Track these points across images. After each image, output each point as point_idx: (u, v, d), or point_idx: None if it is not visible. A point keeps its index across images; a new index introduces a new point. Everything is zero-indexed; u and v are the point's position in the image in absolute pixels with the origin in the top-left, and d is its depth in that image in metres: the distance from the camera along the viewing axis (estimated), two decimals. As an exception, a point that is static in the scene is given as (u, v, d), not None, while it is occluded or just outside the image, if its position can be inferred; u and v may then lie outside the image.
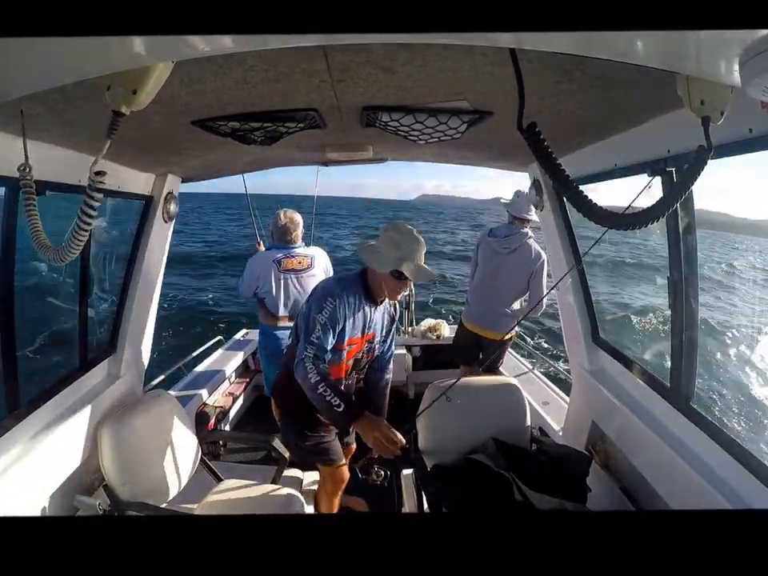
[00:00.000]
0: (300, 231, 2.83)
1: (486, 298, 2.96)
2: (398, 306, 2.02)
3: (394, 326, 2.03)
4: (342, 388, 1.94)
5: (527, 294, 2.94)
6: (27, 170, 1.05)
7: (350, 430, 2.06)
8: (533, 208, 2.80)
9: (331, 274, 3.18)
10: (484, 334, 3.03)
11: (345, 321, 1.73)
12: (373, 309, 1.83)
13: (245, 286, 2.85)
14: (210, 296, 11.62)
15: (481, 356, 3.10)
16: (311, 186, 4.56)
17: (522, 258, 2.85)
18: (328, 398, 1.62)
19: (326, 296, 1.70)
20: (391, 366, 2.15)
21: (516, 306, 2.98)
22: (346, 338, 1.77)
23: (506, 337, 2.98)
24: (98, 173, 0.89)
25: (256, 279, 2.79)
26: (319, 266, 2.91)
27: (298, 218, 2.83)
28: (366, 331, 1.85)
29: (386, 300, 1.88)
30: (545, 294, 2.85)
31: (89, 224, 0.91)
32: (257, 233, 3.76)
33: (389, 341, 2.04)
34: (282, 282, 2.76)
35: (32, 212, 1.05)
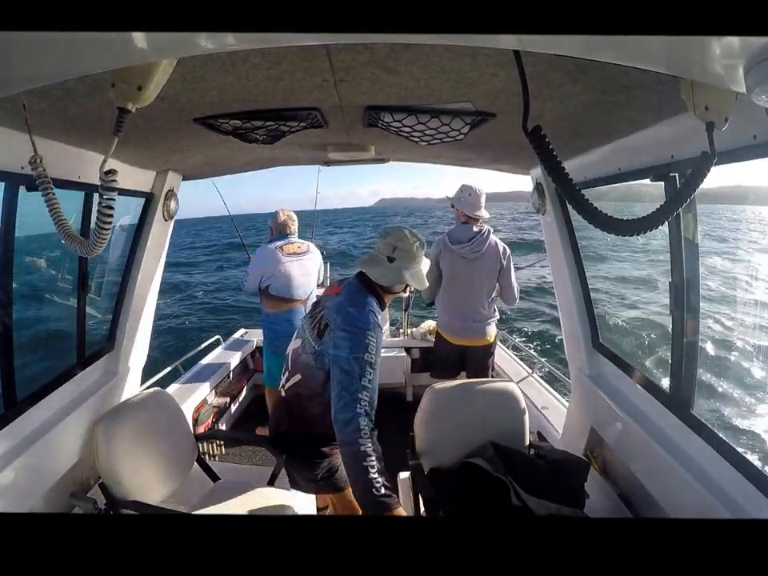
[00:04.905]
0: (296, 227, 3.12)
1: (464, 308, 2.83)
2: None
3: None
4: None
5: (497, 290, 2.88)
6: (39, 161, 1.04)
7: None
8: (483, 204, 2.78)
9: (323, 273, 3.34)
10: (472, 344, 2.89)
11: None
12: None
13: (250, 280, 2.99)
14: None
15: (468, 365, 2.97)
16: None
17: (492, 257, 2.78)
18: (371, 476, 1.37)
19: (365, 330, 1.51)
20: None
21: (492, 306, 2.89)
22: None
23: (493, 339, 2.92)
24: (108, 172, 0.90)
25: (261, 271, 2.95)
26: (315, 254, 3.15)
27: (295, 216, 3.14)
28: None
29: None
30: (515, 284, 2.86)
31: (109, 222, 0.95)
32: (247, 250, 4.30)
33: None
34: (288, 265, 2.96)
35: (53, 203, 1.04)
